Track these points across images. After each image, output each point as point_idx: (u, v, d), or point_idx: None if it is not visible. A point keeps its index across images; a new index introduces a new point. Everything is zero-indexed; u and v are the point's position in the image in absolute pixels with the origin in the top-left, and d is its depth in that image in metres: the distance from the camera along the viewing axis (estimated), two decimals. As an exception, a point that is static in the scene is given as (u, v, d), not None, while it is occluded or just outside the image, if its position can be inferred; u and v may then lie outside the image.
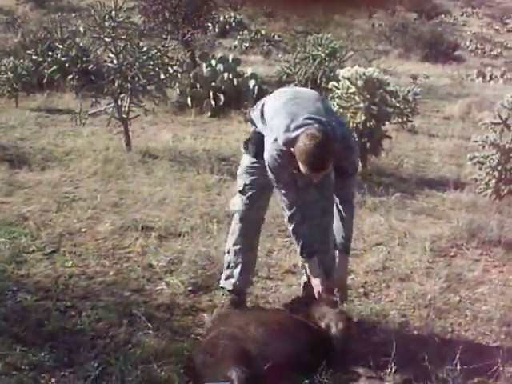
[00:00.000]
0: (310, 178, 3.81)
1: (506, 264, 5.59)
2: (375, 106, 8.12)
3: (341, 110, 8.21)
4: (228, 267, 4.39)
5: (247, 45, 24.84)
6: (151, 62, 9.05)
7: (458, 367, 3.65)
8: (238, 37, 25.69)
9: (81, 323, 4.11)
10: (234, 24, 28.75)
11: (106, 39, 8.71)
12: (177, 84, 11.74)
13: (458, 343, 4.14)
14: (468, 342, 4.20)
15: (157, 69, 9.20)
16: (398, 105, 9.35)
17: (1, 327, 3.99)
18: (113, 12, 8.56)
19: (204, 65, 12.89)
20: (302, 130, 3.65)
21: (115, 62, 8.79)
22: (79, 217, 6.04)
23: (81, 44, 9.73)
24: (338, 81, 8.43)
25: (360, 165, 8.14)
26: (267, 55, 22.96)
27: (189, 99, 12.30)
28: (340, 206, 4.02)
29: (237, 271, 4.32)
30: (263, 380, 3.48)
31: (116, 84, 8.78)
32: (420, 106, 11.81)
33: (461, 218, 6.53)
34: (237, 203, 4.18)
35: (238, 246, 4.28)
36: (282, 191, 3.87)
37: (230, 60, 13.10)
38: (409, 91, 10.84)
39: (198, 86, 12.36)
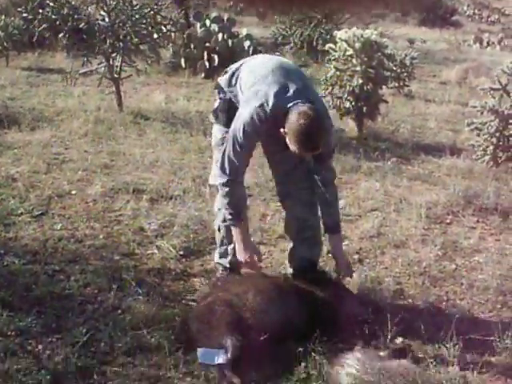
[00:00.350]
0: (299, 156, 3.70)
1: (503, 232, 5.51)
2: (372, 70, 7.96)
3: (337, 73, 8.08)
4: (221, 244, 4.26)
5: (242, 5, 24.45)
6: (144, 21, 8.85)
7: (454, 338, 3.58)
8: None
9: (69, 288, 4.03)
10: (228, -17, 28.30)
11: (98, -4, 8.50)
12: (170, 44, 11.53)
13: (454, 312, 4.09)
14: (464, 312, 4.14)
15: (150, 28, 9.00)
16: (394, 69, 9.21)
17: (-13, 291, 3.91)
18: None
19: (198, 25, 12.63)
20: (292, 103, 3.54)
21: (107, 20, 8.60)
22: (69, 178, 5.92)
23: (72, 2, 9.48)
24: (335, 43, 8.26)
25: (356, 129, 8.14)
26: (263, 16, 22.60)
27: (182, 60, 12.10)
28: (323, 189, 3.93)
29: (231, 248, 4.16)
30: (258, 349, 3.41)
31: (108, 43, 8.60)
32: (417, 71, 11.63)
33: (457, 184, 6.43)
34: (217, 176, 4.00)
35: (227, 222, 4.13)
36: (235, 152, 3.65)
37: (225, 20, 12.85)
38: (406, 55, 10.65)
39: (191, 46, 12.16)
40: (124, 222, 5.11)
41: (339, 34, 8.07)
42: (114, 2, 8.60)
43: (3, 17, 12.64)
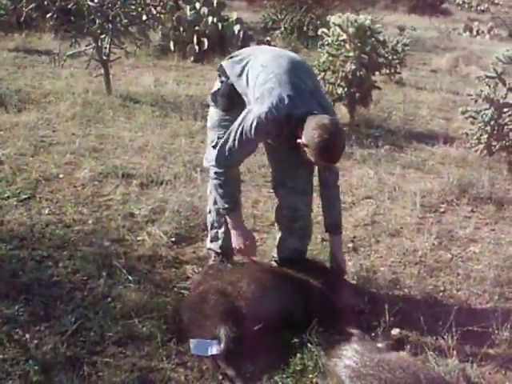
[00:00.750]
0: (317, 164, 3.67)
1: (498, 222, 5.45)
2: (366, 55, 7.87)
3: (330, 58, 7.97)
4: (212, 228, 4.16)
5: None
6: (133, 2, 8.67)
7: (453, 329, 3.51)
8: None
9: (57, 274, 3.91)
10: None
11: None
12: (159, 27, 11.35)
13: (451, 303, 4.04)
14: (461, 303, 4.07)
15: (139, 9, 8.82)
16: (386, 55, 9.10)
17: (-28, 278, 3.78)
18: None
19: (188, 8, 12.43)
20: (306, 108, 3.47)
21: (96, 0, 8.39)
22: (56, 162, 5.77)
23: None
24: (328, 28, 8.14)
25: (348, 115, 8.04)
26: (252, 1, 22.40)
27: (171, 43, 11.93)
28: (327, 190, 3.90)
29: (221, 231, 4.08)
30: (253, 339, 3.31)
31: (96, 24, 8.41)
32: (407, 58, 11.54)
33: (451, 173, 6.36)
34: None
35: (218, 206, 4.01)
36: (241, 146, 3.52)
37: (215, 3, 12.66)
38: (398, 42, 10.54)
39: (181, 29, 11.98)
40: (113, 207, 4.99)
41: (333, 19, 7.95)
42: (104, -18, 8.41)
43: (-10, -3, 12.41)
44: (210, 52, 11.73)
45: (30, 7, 9.31)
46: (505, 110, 6.66)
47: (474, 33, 22.43)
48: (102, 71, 8.60)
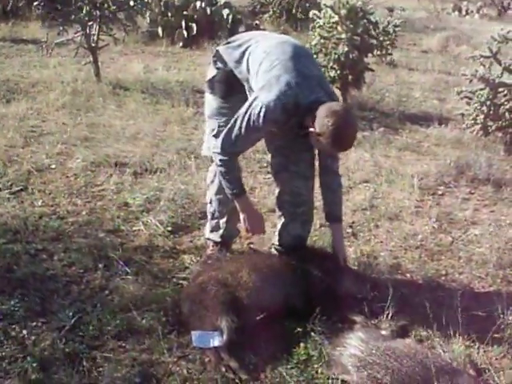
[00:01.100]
0: (329, 152, 3.61)
1: (497, 203, 5.40)
2: (358, 37, 7.78)
3: (322, 41, 7.87)
4: (213, 218, 4.07)
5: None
6: (121, -13, 8.54)
7: (457, 314, 3.45)
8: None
9: (53, 268, 3.82)
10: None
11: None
12: (147, 12, 11.20)
13: (454, 287, 3.99)
14: (464, 287, 4.01)
15: (127, -6, 8.70)
16: (377, 37, 9.02)
17: (-35, 273, 3.69)
18: None
19: (176, -8, 12.30)
20: (315, 96, 3.38)
21: (82, -14, 8.26)
22: (48, 152, 5.66)
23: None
24: (319, 10, 8.04)
25: (341, 98, 7.95)
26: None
27: (160, 29, 11.78)
28: (328, 177, 3.81)
29: (223, 221, 4.01)
30: (254, 329, 3.25)
31: (84, 11, 8.26)
32: (397, 39, 11.46)
33: (447, 154, 6.34)
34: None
35: (220, 196, 3.92)
36: (247, 134, 3.42)
37: (203, -13, 12.51)
38: (389, 23, 10.45)
39: (169, 14, 11.81)
40: (107, 196, 4.90)
41: (324, 1, 7.86)
42: (90, -32, 8.26)
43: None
44: (199, 37, 11.59)
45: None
46: (500, 89, 6.58)
47: (463, 12, 22.30)
48: (91, 59, 8.48)
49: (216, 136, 3.63)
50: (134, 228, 4.43)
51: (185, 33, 11.58)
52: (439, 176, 5.80)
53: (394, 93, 9.15)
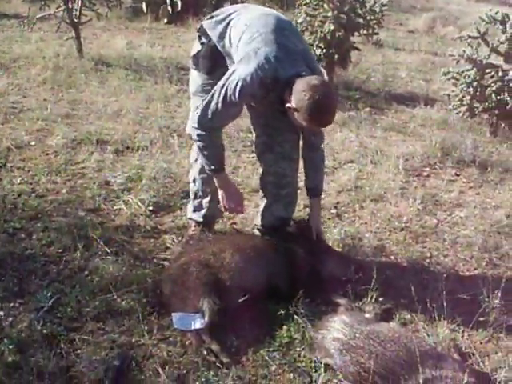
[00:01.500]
0: (308, 129, 3.47)
1: (482, 185, 5.36)
2: (344, 15, 7.67)
3: (308, 19, 7.77)
4: (195, 197, 4.00)
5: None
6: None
7: (441, 297, 3.41)
8: None
9: (31, 247, 3.74)
10: None
11: None
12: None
13: (439, 270, 3.96)
14: (449, 269, 3.99)
15: (110, -31, 8.55)
16: (364, 15, 8.92)
17: None
18: None
19: (160, -33, 12.11)
20: (295, 71, 3.26)
21: (65, -40, 8.10)
22: (28, 129, 5.56)
23: None
24: (305, -13, 7.92)
25: (326, 77, 7.85)
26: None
27: (144, 4, 11.62)
28: (311, 153, 3.73)
29: (206, 201, 3.94)
30: (236, 312, 3.19)
31: (66, -16, 8.11)
32: (384, 19, 11.39)
33: (433, 135, 6.28)
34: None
35: (204, 175, 3.84)
36: (224, 108, 3.32)
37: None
38: (376, 1, 10.33)
39: (153, -10, 11.67)
40: (88, 175, 4.82)
41: (311, -22, 7.73)
42: None
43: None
44: (184, 13, 11.43)
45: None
46: (487, 70, 6.53)
47: (450, -7, 22.21)
48: (73, 34, 8.33)
49: None
50: (115, 207, 4.35)
51: (169, 9, 11.43)
52: (425, 157, 5.77)
53: (380, 73, 9.08)
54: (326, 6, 7.65)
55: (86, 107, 6.37)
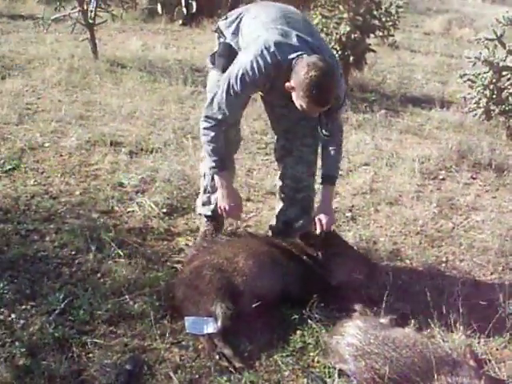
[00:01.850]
0: (306, 114, 3.37)
1: (499, 189, 5.31)
2: (360, 17, 7.64)
3: (323, 20, 7.74)
4: (205, 192, 3.98)
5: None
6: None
7: (457, 302, 3.36)
8: None
9: (44, 249, 3.72)
10: None
11: None
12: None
13: (455, 275, 3.90)
14: (465, 274, 3.93)
15: (126, -30, 8.56)
16: (380, 17, 8.88)
17: (-46, 253, 3.59)
18: None
19: (175, -31, 12.13)
20: (296, 54, 3.23)
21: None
22: (42, 130, 5.55)
23: None
24: (321, -12, 7.89)
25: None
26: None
27: (159, 6, 11.64)
28: (327, 140, 3.62)
29: (215, 197, 3.88)
30: (250, 316, 3.16)
31: (81, -14, 8.13)
32: (399, 20, 11.33)
33: (449, 138, 6.23)
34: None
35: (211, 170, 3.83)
36: (228, 99, 3.35)
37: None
38: (392, 3, 10.29)
39: (168, -9, 11.69)
40: (102, 176, 4.80)
41: (326, -21, 7.71)
42: None
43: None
44: (199, 15, 11.45)
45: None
46: (504, 73, 6.47)
47: (466, -5, 22.11)
48: (88, 35, 8.34)
49: None
50: (129, 209, 4.33)
51: (184, 10, 11.45)
52: (440, 160, 5.71)
53: (396, 75, 9.05)
54: (341, 7, 7.63)
55: (100, 108, 6.37)
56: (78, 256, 3.69)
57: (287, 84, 3.23)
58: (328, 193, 3.67)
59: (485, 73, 6.52)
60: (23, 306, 3.19)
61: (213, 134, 3.43)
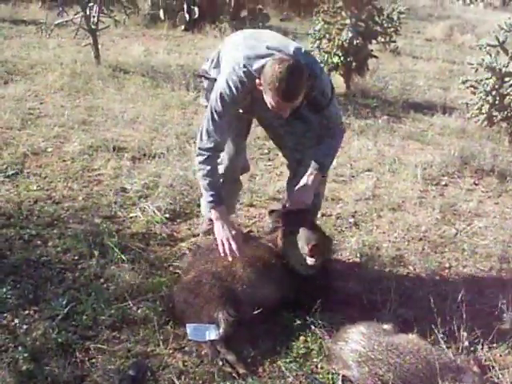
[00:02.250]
0: (277, 112, 3.32)
1: (501, 195, 5.30)
2: (362, 23, 7.64)
3: (326, 26, 7.75)
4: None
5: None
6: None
7: (461, 308, 3.35)
8: None
9: (47, 254, 3.72)
10: None
11: None
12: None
13: (458, 281, 3.89)
14: (468, 280, 3.91)
15: (128, -24, 8.58)
16: (382, 23, 8.89)
17: (-43, 258, 3.59)
18: None
19: (177, -25, 12.15)
20: (266, 59, 3.23)
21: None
22: (45, 135, 5.56)
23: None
24: (323, -6, 7.91)
25: (344, 85, 7.84)
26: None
27: (161, 11, 11.66)
28: (323, 138, 3.59)
29: None
30: (253, 322, 3.16)
31: (84, -9, 8.14)
32: (401, 26, 11.35)
33: (451, 144, 6.23)
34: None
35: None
36: (213, 124, 3.36)
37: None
38: (393, 9, 10.30)
39: (171, -3, 11.71)
40: (104, 182, 4.80)
41: (328, -15, 7.72)
42: None
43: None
44: (201, 21, 11.46)
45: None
46: (506, 79, 6.47)
47: (467, 1, 22.16)
48: (91, 41, 8.36)
49: None
50: (131, 214, 4.33)
51: (187, 16, 11.46)
52: (443, 166, 5.70)
53: (398, 81, 9.05)
54: (343, 13, 7.64)
55: (102, 114, 6.37)
56: (81, 261, 3.69)
57: (257, 81, 3.24)
58: (313, 176, 3.54)
59: (487, 79, 6.52)
60: (26, 311, 3.19)
61: (208, 167, 3.42)
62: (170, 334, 3.14)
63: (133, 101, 6.86)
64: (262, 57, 3.26)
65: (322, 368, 3.02)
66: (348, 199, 4.89)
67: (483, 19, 16.00)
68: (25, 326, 3.07)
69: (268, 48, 3.30)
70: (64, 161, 5.10)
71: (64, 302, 3.24)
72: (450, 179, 5.51)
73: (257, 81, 3.25)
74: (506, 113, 6.48)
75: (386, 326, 3.21)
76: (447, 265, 4.10)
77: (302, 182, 3.54)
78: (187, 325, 3.15)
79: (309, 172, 3.55)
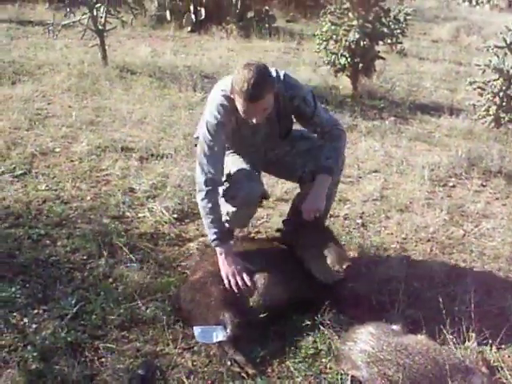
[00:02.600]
0: (249, 118, 3.32)
1: (509, 196, 5.28)
2: (369, 24, 7.64)
3: (333, 27, 7.74)
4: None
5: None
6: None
7: (469, 309, 3.35)
8: None
9: (56, 254, 3.73)
10: None
11: None
12: (155, -4, 11.13)
13: (466, 282, 3.86)
14: (476, 281, 3.89)
15: (135, -23, 8.59)
16: (389, 24, 8.88)
17: (-34, 258, 3.60)
18: None
19: (184, -24, 12.16)
20: None
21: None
22: (53, 135, 5.58)
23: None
24: (330, -5, 7.91)
25: (351, 87, 7.84)
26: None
27: (168, 12, 11.67)
28: (323, 141, 3.63)
29: (231, 210, 3.86)
30: (261, 322, 3.16)
31: (91, -8, 8.15)
32: (408, 28, 11.34)
33: (458, 145, 6.22)
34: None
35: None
36: (206, 156, 3.38)
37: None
38: (400, 11, 10.29)
39: (177, -2, 11.72)
40: (112, 182, 4.81)
41: (335, -14, 7.72)
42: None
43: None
44: (208, 22, 11.47)
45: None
46: (513, 80, 6.47)
47: (474, 3, 22.12)
48: (98, 41, 8.37)
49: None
50: (140, 214, 4.34)
51: (193, 17, 11.48)
52: (450, 167, 5.69)
53: (405, 82, 9.04)
54: (350, 14, 7.62)
55: (110, 114, 6.38)
56: (89, 261, 3.70)
57: (231, 95, 3.31)
58: (320, 181, 3.54)
59: (494, 80, 6.52)
60: (35, 311, 3.21)
61: (210, 205, 3.39)
62: (178, 333, 3.15)
63: (140, 101, 6.87)
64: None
65: (330, 368, 3.02)
66: (355, 200, 4.89)
67: (489, 21, 15.96)
68: (34, 326, 3.09)
69: None
70: (72, 161, 5.11)
71: (73, 302, 3.26)
72: (458, 180, 5.51)
73: (231, 95, 3.32)
74: (513, 114, 6.48)
75: (394, 327, 3.21)
76: (455, 266, 4.09)
77: (311, 189, 3.55)
78: (194, 327, 3.15)
79: (316, 178, 3.55)
